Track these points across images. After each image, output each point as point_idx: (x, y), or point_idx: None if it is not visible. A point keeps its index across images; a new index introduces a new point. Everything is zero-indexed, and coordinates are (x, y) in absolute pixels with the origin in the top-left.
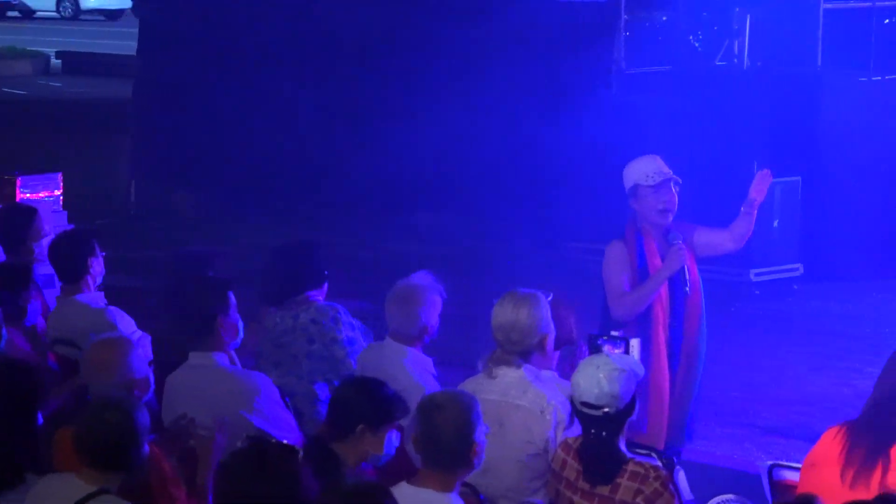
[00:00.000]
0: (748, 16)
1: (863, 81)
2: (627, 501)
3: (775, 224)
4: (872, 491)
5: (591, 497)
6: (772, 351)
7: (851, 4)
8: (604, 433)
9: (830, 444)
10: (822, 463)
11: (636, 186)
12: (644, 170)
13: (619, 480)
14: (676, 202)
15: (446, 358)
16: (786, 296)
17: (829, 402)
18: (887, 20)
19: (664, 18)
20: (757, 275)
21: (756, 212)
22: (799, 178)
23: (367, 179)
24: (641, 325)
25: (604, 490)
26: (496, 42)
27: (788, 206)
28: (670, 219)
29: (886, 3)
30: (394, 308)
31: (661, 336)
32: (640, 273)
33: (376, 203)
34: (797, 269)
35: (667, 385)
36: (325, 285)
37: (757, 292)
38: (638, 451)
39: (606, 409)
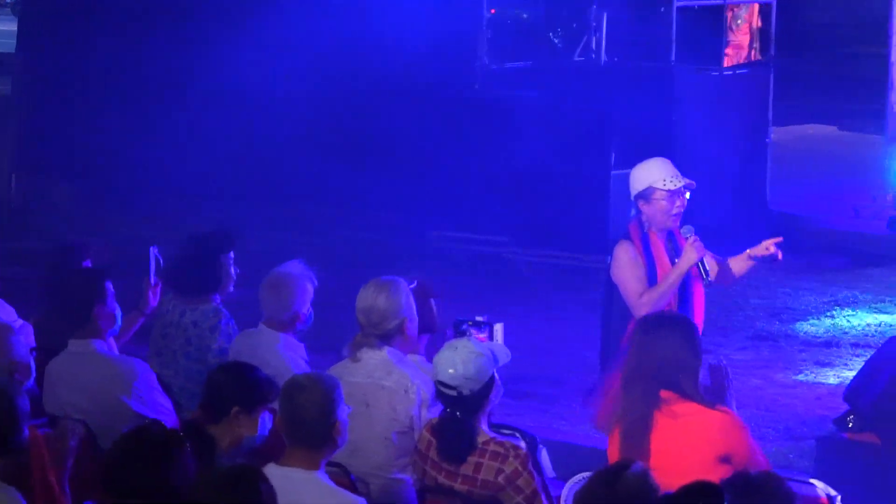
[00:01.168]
0: (605, 13)
1: (715, 76)
2: (489, 481)
3: (632, 213)
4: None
5: (455, 476)
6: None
7: (703, 3)
8: (458, 413)
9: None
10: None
11: (651, 189)
12: (661, 173)
13: (480, 460)
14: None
15: (328, 344)
16: None
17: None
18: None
19: (525, 16)
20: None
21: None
22: None
23: (241, 169)
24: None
25: (467, 469)
26: (363, 39)
27: None
28: (679, 223)
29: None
30: (267, 295)
31: None
32: (649, 272)
33: (261, 192)
34: None
35: None
36: (230, 286)
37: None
38: (503, 430)
39: (460, 390)
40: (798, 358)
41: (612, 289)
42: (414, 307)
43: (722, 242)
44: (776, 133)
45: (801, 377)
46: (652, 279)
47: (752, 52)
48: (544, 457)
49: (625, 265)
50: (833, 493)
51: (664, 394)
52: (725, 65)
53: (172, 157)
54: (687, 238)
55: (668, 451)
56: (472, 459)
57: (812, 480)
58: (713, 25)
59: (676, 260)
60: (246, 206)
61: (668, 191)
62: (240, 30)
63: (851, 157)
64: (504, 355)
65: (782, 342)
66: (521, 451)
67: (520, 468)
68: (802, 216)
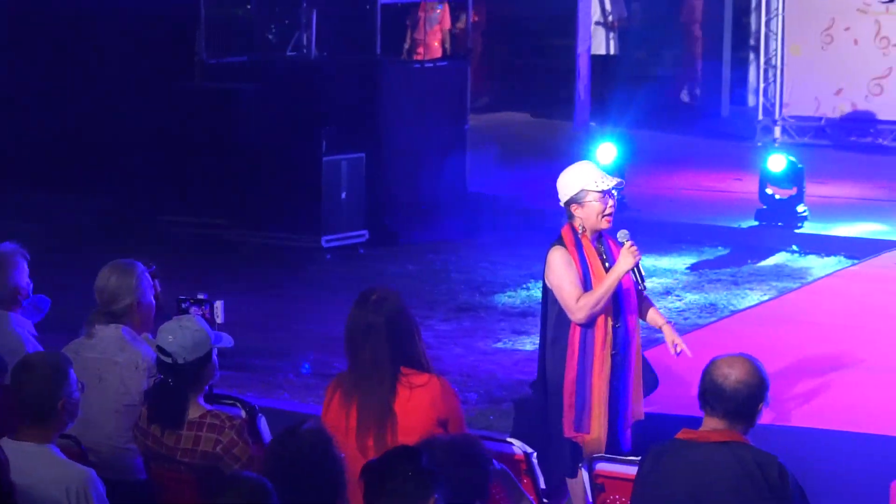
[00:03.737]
0: (314, 11)
1: (416, 67)
2: (208, 452)
3: (343, 196)
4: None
5: (174, 451)
6: (342, 307)
7: (404, 1)
8: (170, 381)
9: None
10: (327, 407)
11: (584, 192)
12: (592, 175)
13: (199, 433)
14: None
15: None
16: (353, 259)
17: None
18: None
19: (240, 13)
20: (327, 241)
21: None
22: (363, 154)
23: None
24: (584, 325)
25: (187, 443)
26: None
27: (354, 179)
28: (611, 222)
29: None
30: None
31: (601, 338)
32: (584, 276)
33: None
34: (363, 235)
35: (605, 383)
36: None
37: (328, 257)
38: (224, 401)
39: (176, 358)
40: (497, 327)
41: (546, 295)
42: (148, 289)
43: (424, 221)
44: (474, 120)
45: (499, 345)
46: (587, 283)
47: (449, 47)
48: (264, 425)
49: (560, 270)
50: (529, 450)
51: (404, 369)
52: (423, 58)
53: None
54: (622, 243)
55: (407, 416)
56: (191, 433)
57: (510, 439)
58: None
59: (607, 263)
60: None
61: (601, 191)
62: None
63: (543, 142)
64: (227, 340)
65: (482, 313)
66: (236, 421)
67: (235, 438)
68: (499, 196)
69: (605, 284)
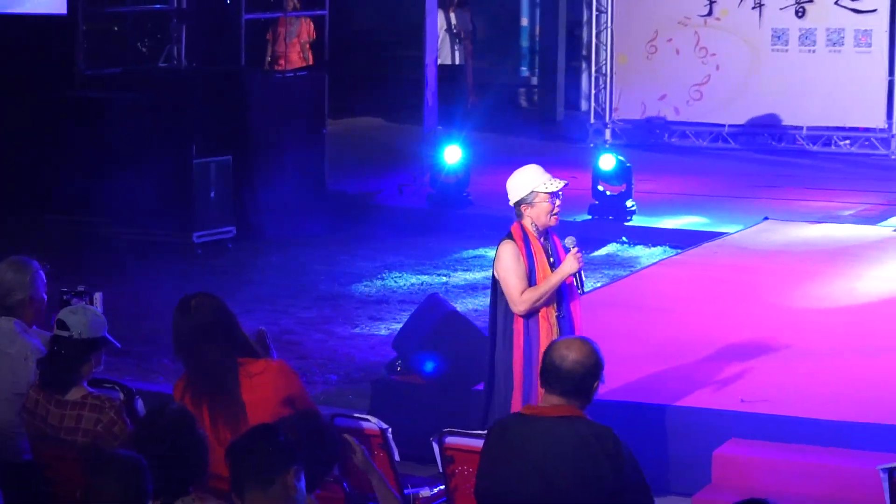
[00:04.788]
0: (184, 25)
1: (278, 77)
2: (90, 430)
3: (212, 195)
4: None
5: (59, 430)
6: None
7: (266, 15)
8: (63, 351)
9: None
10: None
11: (534, 193)
12: (541, 178)
13: (81, 413)
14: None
15: None
16: (222, 253)
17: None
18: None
19: (116, 28)
20: (198, 237)
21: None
22: (230, 156)
23: None
24: (528, 317)
25: (70, 422)
26: None
27: (222, 179)
28: (557, 222)
29: (293, 13)
30: None
31: (545, 330)
32: (530, 271)
33: None
34: (231, 231)
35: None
36: None
37: (199, 251)
38: (104, 384)
39: (72, 333)
40: (355, 314)
41: (496, 286)
42: (42, 286)
43: (287, 218)
44: (332, 125)
45: (357, 330)
46: (532, 277)
47: (308, 58)
48: (141, 406)
49: (507, 264)
50: (385, 426)
51: (241, 359)
52: (283, 69)
53: None
54: (567, 248)
55: (254, 405)
56: (74, 413)
57: (367, 416)
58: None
59: (552, 259)
60: None
61: (549, 193)
62: None
63: (396, 144)
64: (115, 342)
65: (342, 301)
66: (115, 403)
67: (115, 417)
68: (356, 194)
69: (548, 283)
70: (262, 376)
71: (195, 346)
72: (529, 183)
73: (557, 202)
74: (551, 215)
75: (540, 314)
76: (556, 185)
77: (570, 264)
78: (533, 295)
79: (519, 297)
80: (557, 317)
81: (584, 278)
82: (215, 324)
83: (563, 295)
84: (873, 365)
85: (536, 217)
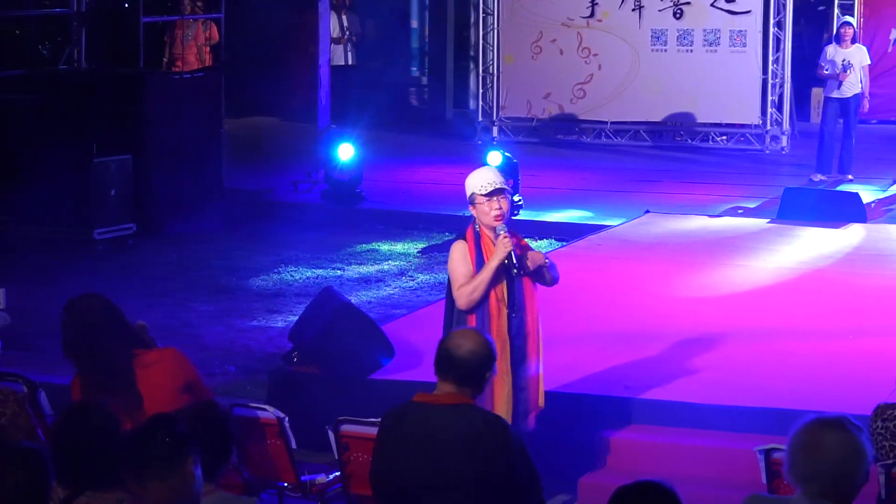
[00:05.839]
0: (84, 28)
1: (176, 78)
2: None
3: (112, 193)
4: None
5: None
6: (114, 293)
7: (164, 18)
8: None
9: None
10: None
11: (474, 195)
12: (479, 181)
13: None
14: (508, 207)
15: None
16: (123, 249)
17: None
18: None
19: (17, 31)
20: (99, 234)
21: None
22: (130, 155)
23: None
24: (480, 314)
25: None
26: None
27: (122, 178)
28: (502, 222)
29: (190, 16)
30: None
31: (496, 325)
32: (478, 268)
33: None
34: (131, 228)
35: (506, 366)
36: None
37: (101, 248)
38: (7, 377)
39: None
40: (253, 307)
41: (449, 285)
42: None
43: (186, 214)
44: (229, 124)
45: (255, 322)
46: None
47: (205, 60)
48: (44, 398)
49: (455, 260)
50: (282, 415)
51: (134, 351)
52: (181, 70)
53: None
54: (498, 234)
55: (152, 394)
56: None
57: (265, 406)
58: (172, 37)
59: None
60: None
61: (485, 195)
62: None
63: (290, 143)
64: (4, 318)
65: (239, 294)
66: (18, 394)
67: (18, 409)
68: (254, 191)
69: (480, 274)
70: (156, 366)
71: (88, 345)
72: (470, 186)
73: (498, 203)
74: (490, 216)
75: (491, 312)
76: (490, 187)
77: (497, 251)
78: (467, 288)
79: (457, 292)
80: (509, 314)
81: (514, 261)
82: (104, 321)
83: (515, 292)
84: (752, 351)
85: (480, 217)
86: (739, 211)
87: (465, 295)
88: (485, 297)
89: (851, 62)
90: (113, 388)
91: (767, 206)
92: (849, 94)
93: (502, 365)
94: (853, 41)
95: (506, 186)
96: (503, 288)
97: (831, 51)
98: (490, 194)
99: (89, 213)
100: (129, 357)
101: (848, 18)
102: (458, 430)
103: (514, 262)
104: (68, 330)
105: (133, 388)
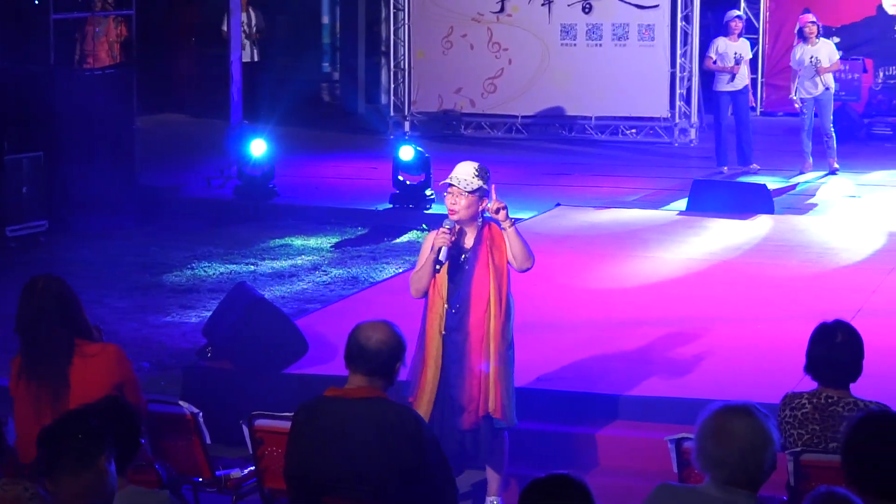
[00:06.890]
0: None
1: (87, 75)
2: None
3: (24, 190)
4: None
5: None
6: None
7: (74, 15)
8: None
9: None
10: (16, 384)
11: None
12: (448, 179)
13: None
14: (462, 203)
15: None
16: (35, 246)
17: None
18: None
19: None
20: (11, 231)
21: (510, 227)
22: (42, 152)
23: None
24: (424, 304)
25: None
26: None
27: (34, 175)
28: (455, 216)
29: (100, 13)
30: None
31: (429, 317)
32: (453, 257)
33: None
34: (43, 225)
35: (437, 363)
36: None
37: (12, 245)
38: None
39: None
40: (166, 303)
41: None
42: None
43: (99, 211)
44: (141, 121)
45: (169, 318)
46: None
47: (117, 57)
48: None
49: (421, 251)
50: (196, 410)
51: (77, 341)
52: (92, 67)
53: None
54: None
55: (82, 385)
56: None
57: (180, 402)
58: (83, 34)
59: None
60: None
61: (445, 189)
62: None
63: (203, 139)
64: None
65: (153, 291)
66: None
67: None
68: (167, 187)
69: (418, 263)
70: (96, 358)
71: (35, 322)
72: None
73: (451, 197)
74: (448, 209)
75: (429, 303)
76: (449, 181)
77: (429, 240)
78: (412, 277)
79: (410, 280)
80: (448, 310)
81: (440, 257)
82: (58, 304)
83: (460, 288)
84: (661, 341)
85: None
86: (648, 203)
87: (411, 282)
88: (428, 288)
89: (742, 55)
90: (43, 370)
91: (676, 198)
92: (740, 87)
93: (430, 360)
94: (740, 35)
95: (455, 183)
96: (443, 281)
97: (722, 44)
98: (444, 188)
99: (1, 210)
100: (71, 342)
101: (738, 12)
102: (369, 423)
103: (439, 258)
104: (23, 305)
105: (64, 374)
